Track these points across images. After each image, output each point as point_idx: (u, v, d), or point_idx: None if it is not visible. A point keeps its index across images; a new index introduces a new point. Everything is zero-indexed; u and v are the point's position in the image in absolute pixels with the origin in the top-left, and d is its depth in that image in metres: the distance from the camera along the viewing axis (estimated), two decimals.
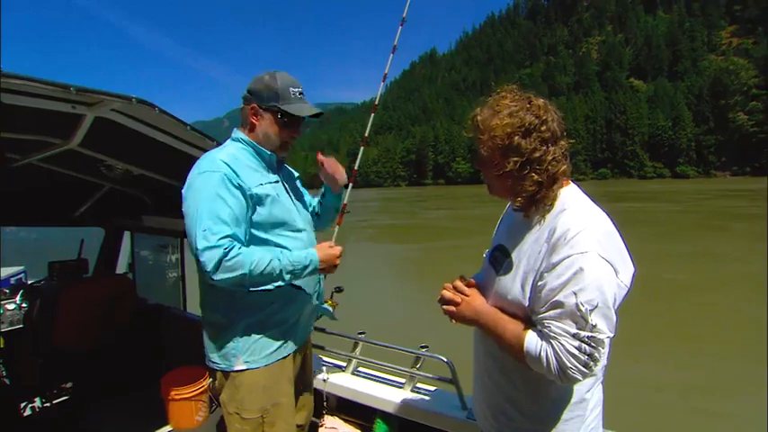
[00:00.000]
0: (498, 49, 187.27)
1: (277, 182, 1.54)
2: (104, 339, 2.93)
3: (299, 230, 1.56)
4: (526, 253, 1.08)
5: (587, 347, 0.95)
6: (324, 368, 2.30)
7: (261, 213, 1.45)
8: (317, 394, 2.16)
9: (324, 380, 2.22)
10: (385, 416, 2.04)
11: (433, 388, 2.06)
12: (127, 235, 3.48)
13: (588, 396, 1.13)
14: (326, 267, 1.55)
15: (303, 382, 1.78)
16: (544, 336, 1.00)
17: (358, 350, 2.27)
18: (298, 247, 1.54)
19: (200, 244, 1.29)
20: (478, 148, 1.08)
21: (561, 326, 0.97)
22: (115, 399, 2.82)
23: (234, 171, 1.39)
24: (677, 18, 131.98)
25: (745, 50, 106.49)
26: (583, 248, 0.96)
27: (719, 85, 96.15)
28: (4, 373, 2.69)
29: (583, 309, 0.94)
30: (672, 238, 16.72)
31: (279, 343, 1.51)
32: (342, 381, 2.21)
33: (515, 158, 1.02)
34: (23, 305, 2.85)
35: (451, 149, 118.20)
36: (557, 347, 0.96)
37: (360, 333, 2.23)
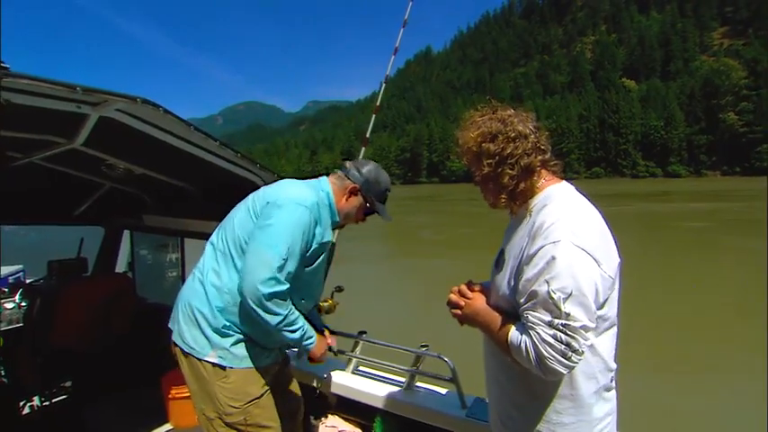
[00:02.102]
0: (493, 47, 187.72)
1: (327, 243, 1.63)
2: (104, 338, 2.93)
3: (313, 295, 1.71)
4: (513, 249, 1.13)
5: (563, 336, 0.95)
6: (324, 367, 2.32)
7: (302, 267, 1.53)
8: (318, 393, 2.19)
9: (324, 379, 2.24)
10: (385, 415, 2.06)
11: (433, 387, 2.08)
12: (126, 234, 3.47)
13: (592, 401, 1.10)
14: (313, 356, 1.67)
15: (286, 383, 1.84)
16: (524, 327, 1.02)
17: (358, 349, 2.28)
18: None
19: (274, 269, 1.38)
20: (463, 162, 1.21)
21: (537, 315, 0.98)
22: (115, 397, 2.82)
23: (317, 219, 1.53)
24: (670, 19, 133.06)
25: (735, 51, 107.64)
26: (555, 238, 0.99)
27: (711, 85, 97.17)
28: (2, 373, 2.69)
29: (555, 296, 0.95)
30: None
31: (259, 352, 1.56)
32: (342, 380, 2.23)
33: (489, 160, 1.11)
34: (22, 304, 2.84)
35: (446, 148, 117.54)
36: (534, 337, 0.98)
37: (360, 332, 2.25)
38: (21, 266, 5.71)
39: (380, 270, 12.75)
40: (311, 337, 1.60)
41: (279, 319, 1.43)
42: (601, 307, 1.04)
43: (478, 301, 1.20)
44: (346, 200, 1.67)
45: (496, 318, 1.13)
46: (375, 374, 2.26)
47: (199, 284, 1.55)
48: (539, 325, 0.98)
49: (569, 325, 0.95)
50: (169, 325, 1.65)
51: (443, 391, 2.03)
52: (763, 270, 9.33)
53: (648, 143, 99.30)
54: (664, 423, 4.53)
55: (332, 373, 2.27)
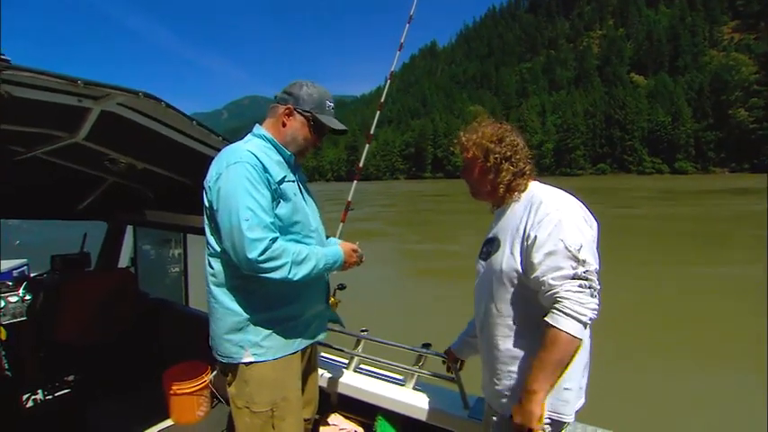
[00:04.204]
0: (499, 41, 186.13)
1: (294, 182, 1.57)
2: (106, 333, 2.94)
3: (313, 231, 1.62)
4: (509, 227, 1.32)
5: (585, 282, 1.14)
6: (326, 365, 2.31)
7: (283, 209, 1.48)
8: (320, 391, 2.18)
9: (326, 377, 2.23)
10: (387, 413, 2.05)
11: (435, 386, 2.07)
12: (130, 229, 3.48)
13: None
14: (348, 265, 1.67)
15: (309, 376, 1.80)
16: (551, 300, 1.16)
17: (360, 347, 2.27)
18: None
19: (247, 233, 1.32)
20: (464, 154, 1.41)
21: (558, 274, 1.15)
22: (117, 393, 2.83)
23: (262, 163, 1.43)
24: (679, 13, 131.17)
25: (746, 46, 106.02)
26: (556, 207, 1.23)
27: (720, 80, 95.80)
28: (6, 366, 2.70)
29: (572, 249, 1.15)
30: None
31: (287, 338, 1.53)
32: (344, 378, 2.22)
33: (495, 156, 1.35)
34: (26, 298, 2.85)
35: (451, 143, 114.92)
36: (566, 299, 1.14)
37: (362, 330, 2.23)
38: (25, 260, 5.72)
39: (383, 268, 12.74)
40: (335, 256, 1.58)
41: (286, 267, 1.39)
42: None
43: (529, 406, 1.20)
44: (284, 126, 1.55)
45: (533, 363, 1.20)
46: (377, 373, 2.25)
47: (207, 294, 1.53)
48: (564, 283, 1.14)
49: (588, 270, 1.15)
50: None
51: (445, 389, 2.02)
52: None
53: (655, 139, 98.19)
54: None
55: (333, 371, 2.26)
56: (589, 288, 1.14)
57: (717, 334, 6.95)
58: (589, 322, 1.15)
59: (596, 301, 1.15)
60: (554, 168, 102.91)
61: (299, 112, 1.55)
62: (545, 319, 1.17)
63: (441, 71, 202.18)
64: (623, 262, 11.38)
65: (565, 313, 1.13)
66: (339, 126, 1.60)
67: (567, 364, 1.19)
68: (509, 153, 1.35)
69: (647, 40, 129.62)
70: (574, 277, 1.14)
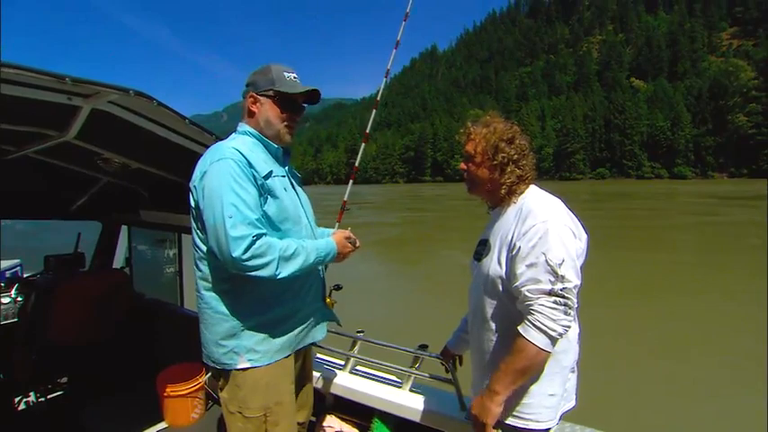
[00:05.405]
0: (499, 46, 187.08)
1: (284, 176, 1.54)
2: (100, 334, 2.91)
3: (303, 226, 1.58)
4: (500, 233, 1.32)
5: (561, 299, 1.14)
6: (322, 366, 2.28)
7: (271, 205, 1.45)
8: (315, 393, 2.15)
9: (322, 378, 2.20)
10: (383, 415, 2.03)
11: (431, 387, 2.05)
12: (124, 229, 3.45)
13: (561, 354, 1.28)
14: (342, 256, 1.63)
15: (304, 380, 1.77)
16: (525, 311, 1.18)
17: (356, 349, 2.25)
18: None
19: (230, 231, 1.29)
20: (468, 146, 1.37)
21: (535, 287, 1.15)
22: (111, 395, 2.80)
23: (246, 159, 1.40)
24: (678, 18, 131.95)
25: (745, 52, 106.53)
26: (544, 218, 1.21)
27: (719, 86, 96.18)
28: None
29: (552, 263, 1.14)
30: None
31: (282, 341, 1.50)
32: (340, 379, 2.19)
33: (503, 155, 1.31)
34: (18, 299, 2.82)
35: (450, 147, 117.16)
36: (538, 313, 1.14)
37: (358, 331, 2.21)
38: (18, 261, 5.68)
39: (380, 268, 12.70)
40: (327, 249, 1.53)
41: (273, 264, 1.34)
42: None
43: (492, 406, 1.23)
44: (253, 115, 1.52)
45: (502, 368, 1.21)
46: (373, 374, 2.23)
47: (198, 298, 1.49)
48: (539, 297, 1.15)
49: (566, 288, 1.15)
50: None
51: (442, 391, 1.99)
52: None
53: (654, 144, 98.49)
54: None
55: (329, 372, 2.23)
56: (563, 306, 1.14)
57: (720, 333, 6.93)
58: (559, 337, 1.16)
59: (570, 318, 1.16)
60: (553, 172, 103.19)
61: (260, 95, 1.51)
62: (517, 327, 1.19)
63: (441, 75, 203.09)
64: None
65: (536, 326, 1.14)
66: (303, 88, 1.52)
67: (533, 373, 1.21)
68: (516, 156, 1.32)
69: (647, 46, 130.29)
70: (550, 293, 1.14)
